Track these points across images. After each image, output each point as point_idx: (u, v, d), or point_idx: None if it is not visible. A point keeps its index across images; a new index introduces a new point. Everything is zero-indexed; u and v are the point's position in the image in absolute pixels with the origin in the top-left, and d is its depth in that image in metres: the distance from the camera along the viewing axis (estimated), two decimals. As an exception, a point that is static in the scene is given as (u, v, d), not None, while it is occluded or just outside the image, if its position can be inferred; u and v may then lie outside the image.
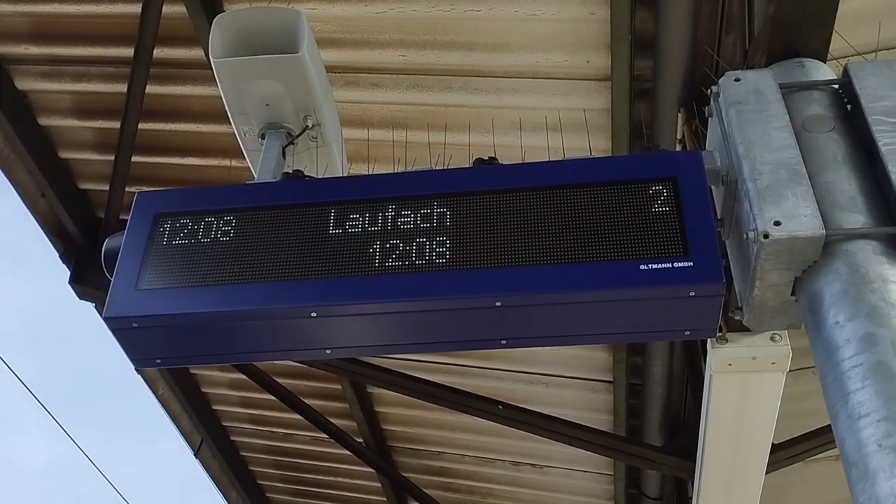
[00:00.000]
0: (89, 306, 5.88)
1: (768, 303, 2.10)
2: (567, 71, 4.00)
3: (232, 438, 7.88)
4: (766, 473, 4.13)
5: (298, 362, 5.75)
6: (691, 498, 4.91)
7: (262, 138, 2.73)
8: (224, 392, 7.32)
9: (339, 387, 6.65)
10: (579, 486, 6.88)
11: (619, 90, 3.84)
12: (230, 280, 2.21)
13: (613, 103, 3.91)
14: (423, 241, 2.18)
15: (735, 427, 3.68)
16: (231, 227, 2.29)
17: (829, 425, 4.58)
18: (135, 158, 4.79)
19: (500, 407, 5.09)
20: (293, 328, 2.22)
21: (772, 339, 3.40)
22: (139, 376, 6.80)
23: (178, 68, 4.67)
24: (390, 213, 2.24)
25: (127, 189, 4.81)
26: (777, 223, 1.96)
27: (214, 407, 7.52)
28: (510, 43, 3.99)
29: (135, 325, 2.21)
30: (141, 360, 2.33)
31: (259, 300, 2.17)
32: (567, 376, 5.79)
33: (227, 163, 4.98)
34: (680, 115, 3.58)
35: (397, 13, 4.03)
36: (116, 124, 4.68)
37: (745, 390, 3.53)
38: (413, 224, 2.21)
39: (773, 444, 3.99)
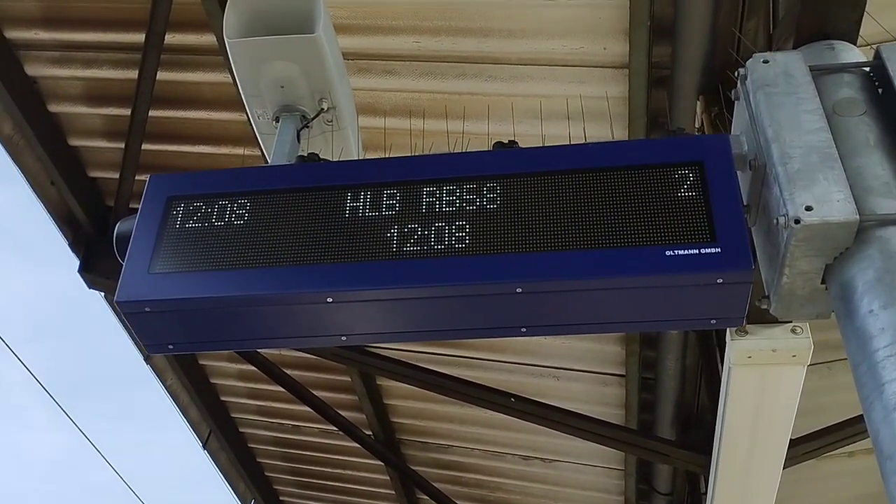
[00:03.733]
0: (98, 296, 5.86)
1: (797, 291, 2.03)
2: (583, 58, 3.94)
3: (240, 430, 7.86)
4: (782, 469, 4.07)
5: (308, 353, 5.71)
6: (704, 494, 4.86)
7: (277, 121, 2.68)
8: (233, 383, 7.29)
9: (349, 378, 6.61)
10: (589, 481, 6.83)
11: (637, 78, 3.77)
12: (244, 264, 2.15)
13: (631, 91, 3.85)
14: (441, 226, 2.12)
15: (753, 421, 3.62)
16: (245, 210, 2.24)
17: (845, 421, 4.52)
18: (145, 146, 4.74)
19: (513, 399, 5.03)
20: (308, 314, 2.17)
21: (792, 331, 3.33)
22: (148, 367, 6.78)
23: (189, 54, 4.62)
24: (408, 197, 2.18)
25: (137, 177, 4.77)
26: (809, 208, 1.90)
27: (223, 398, 7.50)
28: (525, 29, 3.93)
29: (147, 309, 2.16)
30: (153, 346, 2.28)
31: (273, 285, 2.12)
32: (578, 370, 5.74)
33: (239, 151, 4.93)
34: (699, 102, 3.51)
35: (411, -2, 3.98)
36: (127, 111, 4.64)
37: (765, 383, 3.47)
38: (431, 208, 2.16)
39: (790, 440, 3.92)
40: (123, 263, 2.22)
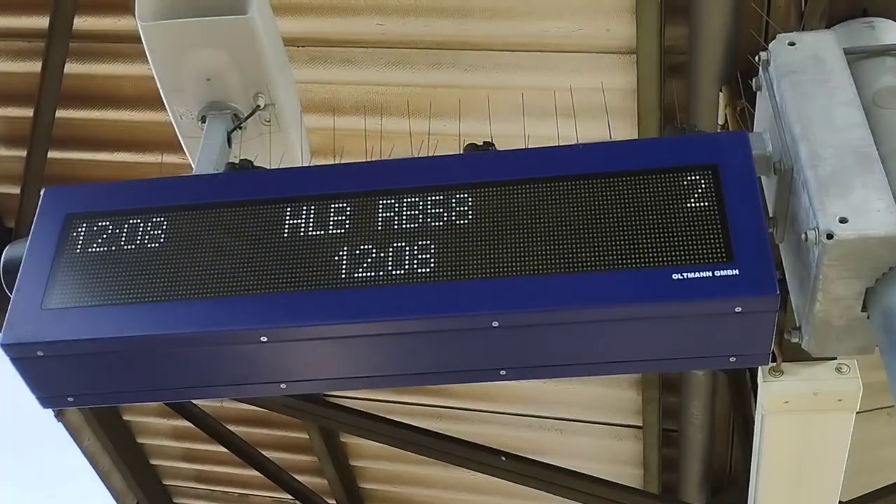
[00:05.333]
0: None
1: (833, 321, 2.05)
2: (582, 42, 3.97)
3: (175, 501, 7.81)
4: (833, 538, 4.08)
5: (253, 404, 5.69)
6: (740, 569, 4.85)
7: (203, 122, 2.69)
8: (164, 443, 7.26)
9: (306, 436, 6.60)
10: (602, 557, 6.81)
11: (647, 65, 3.81)
12: (159, 297, 2.15)
13: (640, 81, 3.89)
14: (401, 246, 2.13)
15: (793, 479, 3.63)
16: (161, 230, 2.25)
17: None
18: (52, 154, 4.74)
19: (504, 458, 5.02)
20: (239, 357, 2.17)
21: (838, 369, 3.35)
22: (60, 424, 6.73)
23: (104, 42, 4.64)
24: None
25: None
26: (843, 220, 1.92)
27: (153, 462, 7.46)
28: (512, 8, 3.96)
29: (39, 353, 2.15)
30: (48, 398, 2.27)
31: (195, 322, 2.12)
32: (586, 420, 5.75)
33: (168, 159, 4.93)
34: (721, 94, 3.55)
35: (373, -28, 4.02)
36: (29, 112, 4.63)
37: (806, 434, 3.48)
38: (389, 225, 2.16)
39: (840, 502, 3.93)
40: (11, 297, 2.20)
